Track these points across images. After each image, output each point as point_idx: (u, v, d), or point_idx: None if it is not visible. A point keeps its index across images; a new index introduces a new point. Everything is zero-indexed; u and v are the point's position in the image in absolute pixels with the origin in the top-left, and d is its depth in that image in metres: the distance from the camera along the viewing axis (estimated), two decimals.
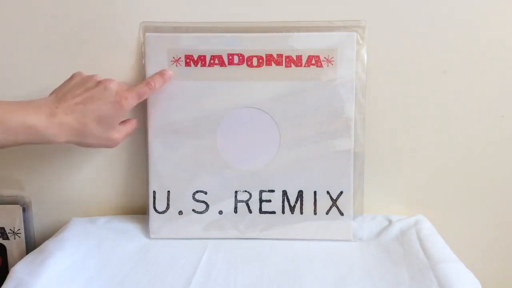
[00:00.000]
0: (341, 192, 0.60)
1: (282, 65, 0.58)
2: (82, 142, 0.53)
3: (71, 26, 0.61)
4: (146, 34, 0.59)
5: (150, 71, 0.59)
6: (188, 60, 0.59)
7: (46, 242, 0.59)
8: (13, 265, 0.54)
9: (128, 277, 0.53)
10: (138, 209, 0.66)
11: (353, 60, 0.58)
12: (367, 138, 0.61)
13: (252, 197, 0.60)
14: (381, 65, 0.61)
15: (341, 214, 0.60)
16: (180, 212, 0.61)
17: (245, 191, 0.61)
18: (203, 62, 0.59)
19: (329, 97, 0.59)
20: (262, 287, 0.51)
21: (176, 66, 0.59)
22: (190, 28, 0.59)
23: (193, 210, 0.61)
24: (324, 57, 0.58)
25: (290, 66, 0.58)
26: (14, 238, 0.65)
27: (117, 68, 0.61)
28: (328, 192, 0.60)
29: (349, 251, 0.58)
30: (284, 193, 0.60)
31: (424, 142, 0.65)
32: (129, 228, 0.63)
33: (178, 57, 0.59)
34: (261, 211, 0.61)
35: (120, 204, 0.67)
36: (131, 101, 0.55)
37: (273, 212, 0.61)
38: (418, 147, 0.65)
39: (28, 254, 0.56)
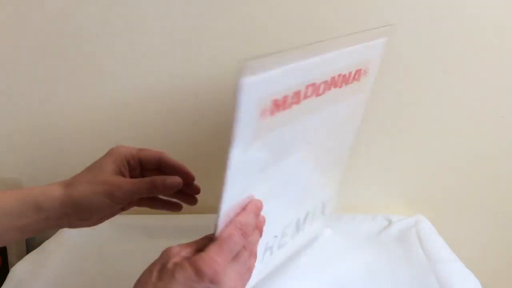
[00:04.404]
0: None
1: (339, 86, 0.45)
2: None
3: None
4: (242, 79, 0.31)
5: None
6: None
7: (46, 242, 0.59)
8: (13, 265, 0.55)
9: (128, 277, 0.53)
10: (139, 209, 0.66)
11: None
12: (366, 138, 0.61)
13: None
14: (380, 65, 0.61)
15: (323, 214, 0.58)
16: None
17: None
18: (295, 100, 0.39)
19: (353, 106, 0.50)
20: None
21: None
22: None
23: None
24: (363, 69, 0.48)
25: (342, 86, 0.45)
26: None
27: None
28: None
29: (349, 251, 0.58)
30: None
31: (424, 142, 0.65)
32: (130, 227, 0.63)
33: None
34: None
35: None
36: None
37: None
38: (418, 147, 0.65)
39: (28, 254, 0.56)
